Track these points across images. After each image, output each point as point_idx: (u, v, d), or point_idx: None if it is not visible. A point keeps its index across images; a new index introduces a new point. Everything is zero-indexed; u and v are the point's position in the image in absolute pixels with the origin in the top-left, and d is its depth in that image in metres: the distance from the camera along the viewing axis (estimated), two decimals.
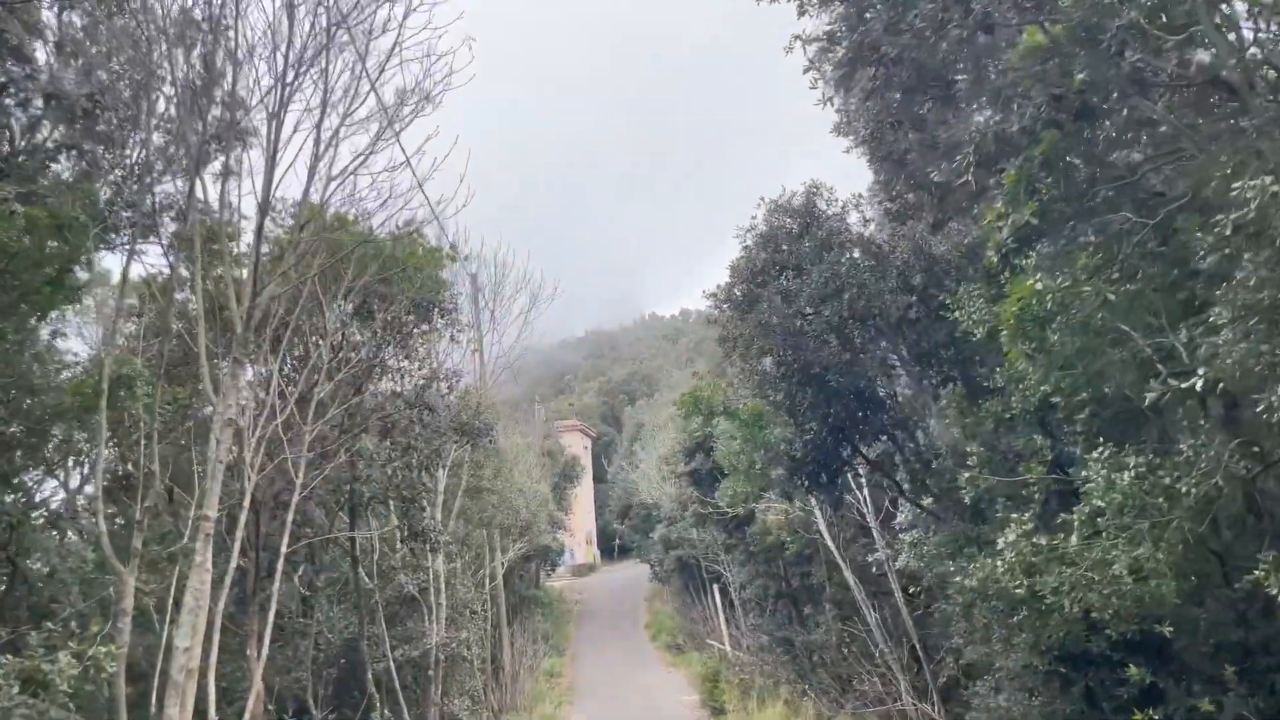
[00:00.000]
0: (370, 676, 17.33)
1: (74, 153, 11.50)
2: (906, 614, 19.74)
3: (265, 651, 11.53)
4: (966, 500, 11.80)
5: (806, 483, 16.35)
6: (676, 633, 42.53)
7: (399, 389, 17.31)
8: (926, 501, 15.52)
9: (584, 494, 69.56)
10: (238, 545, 10.28)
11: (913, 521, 17.79)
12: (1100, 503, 8.62)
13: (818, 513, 21.98)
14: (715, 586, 40.88)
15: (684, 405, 27.58)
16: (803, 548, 23.59)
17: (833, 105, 14.57)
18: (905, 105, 13.19)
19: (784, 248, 15.16)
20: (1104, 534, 8.60)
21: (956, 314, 11.80)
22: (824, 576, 23.55)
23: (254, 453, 10.45)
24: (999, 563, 9.20)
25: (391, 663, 18.07)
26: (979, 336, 11.28)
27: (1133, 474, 8.48)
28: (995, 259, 9.41)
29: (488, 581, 31.25)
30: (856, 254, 14.59)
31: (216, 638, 10.00)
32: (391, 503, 17.82)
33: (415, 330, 16.29)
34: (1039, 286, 9.67)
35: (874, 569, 20.84)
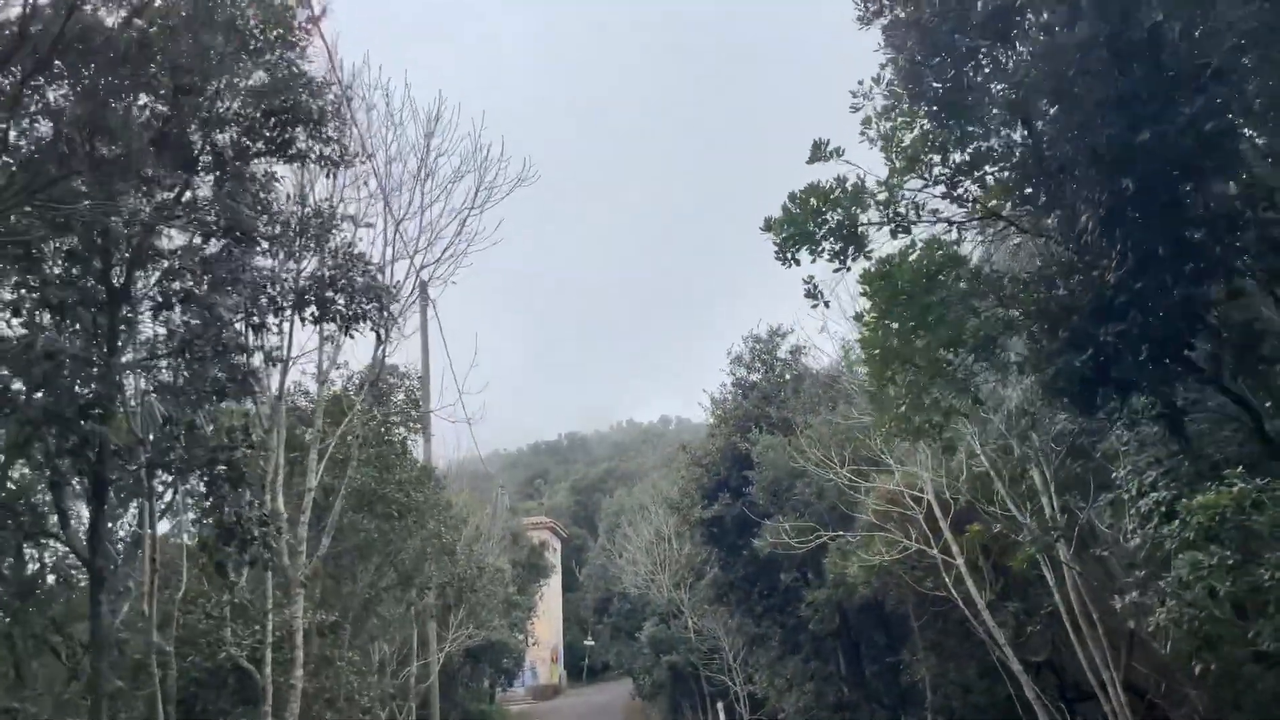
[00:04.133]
0: None
1: None
2: None
3: None
4: None
5: (1119, 370, 6.25)
6: None
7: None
8: None
9: (552, 600, 59.29)
10: None
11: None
12: None
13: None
14: (720, 705, 31.81)
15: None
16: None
17: None
18: None
19: None
20: None
21: None
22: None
23: None
24: None
25: None
26: None
27: None
28: None
29: (413, 681, 22.25)
30: None
31: None
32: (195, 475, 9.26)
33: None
34: None
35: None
